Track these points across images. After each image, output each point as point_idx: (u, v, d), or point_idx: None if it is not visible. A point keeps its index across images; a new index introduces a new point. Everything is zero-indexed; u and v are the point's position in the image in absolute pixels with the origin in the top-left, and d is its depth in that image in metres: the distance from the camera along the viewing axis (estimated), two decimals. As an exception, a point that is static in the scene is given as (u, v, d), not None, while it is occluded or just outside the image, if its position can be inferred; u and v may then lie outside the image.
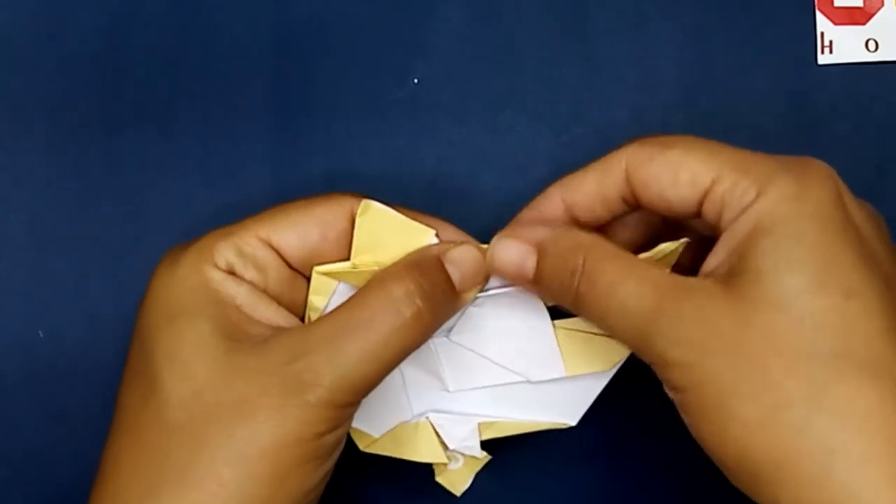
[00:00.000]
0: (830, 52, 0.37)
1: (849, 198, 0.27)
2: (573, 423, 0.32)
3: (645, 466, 0.36)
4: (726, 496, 0.35)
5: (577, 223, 0.30)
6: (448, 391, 0.32)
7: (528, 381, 0.32)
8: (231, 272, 0.28)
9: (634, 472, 0.36)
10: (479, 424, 0.33)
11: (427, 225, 0.30)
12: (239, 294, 0.28)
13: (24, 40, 0.37)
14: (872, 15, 0.37)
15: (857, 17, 0.37)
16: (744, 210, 0.26)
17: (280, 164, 0.36)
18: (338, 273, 0.30)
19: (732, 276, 0.26)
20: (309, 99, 0.37)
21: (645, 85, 0.37)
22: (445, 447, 0.33)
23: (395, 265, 0.29)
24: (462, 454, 0.33)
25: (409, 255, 0.29)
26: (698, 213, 0.28)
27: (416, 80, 0.37)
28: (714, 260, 0.27)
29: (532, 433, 0.33)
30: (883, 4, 0.37)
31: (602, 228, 0.31)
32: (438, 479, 0.34)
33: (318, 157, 0.36)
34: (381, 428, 0.32)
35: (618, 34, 0.37)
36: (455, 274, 0.29)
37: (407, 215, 0.30)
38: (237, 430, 0.26)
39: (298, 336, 0.27)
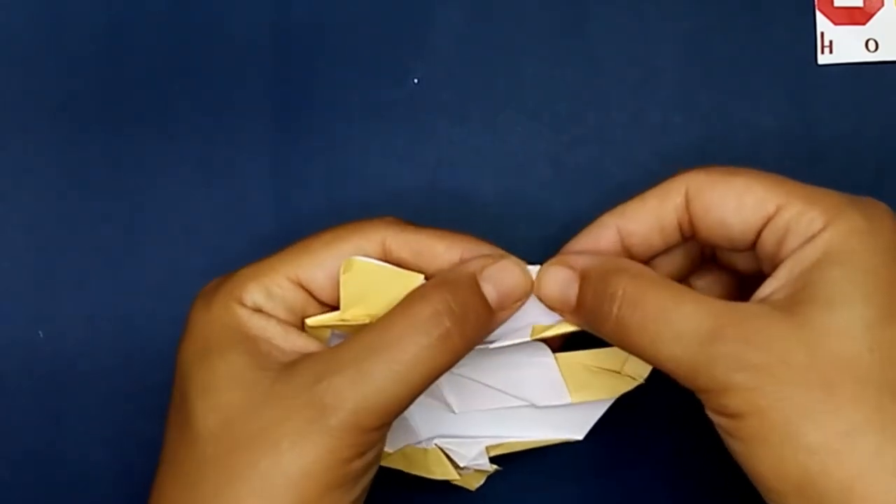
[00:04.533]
0: (830, 52, 0.37)
1: None
2: (580, 437, 0.32)
3: (651, 474, 0.36)
4: None
5: (629, 255, 0.30)
6: (454, 413, 0.32)
7: (534, 406, 0.32)
8: (259, 311, 0.28)
9: (639, 479, 0.36)
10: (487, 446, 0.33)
11: (467, 243, 0.29)
12: (269, 327, 0.28)
13: (24, 40, 0.37)
14: (872, 15, 0.37)
15: (857, 17, 0.37)
16: (810, 239, 0.26)
17: (280, 164, 0.36)
18: (329, 325, 0.29)
19: (797, 304, 0.25)
20: (309, 99, 0.37)
21: (645, 85, 0.37)
22: (456, 465, 0.33)
23: (426, 284, 0.28)
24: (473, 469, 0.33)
25: (445, 272, 0.29)
26: (753, 243, 0.28)
27: (416, 80, 0.37)
28: (773, 285, 0.27)
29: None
30: (883, 4, 0.37)
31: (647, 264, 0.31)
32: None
33: (318, 157, 0.36)
34: (391, 444, 0.32)
35: (618, 34, 0.37)
36: (491, 293, 0.28)
37: (438, 230, 0.30)
38: (261, 460, 0.25)
39: (324, 358, 0.27)
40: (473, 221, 0.34)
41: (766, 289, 0.27)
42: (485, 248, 0.30)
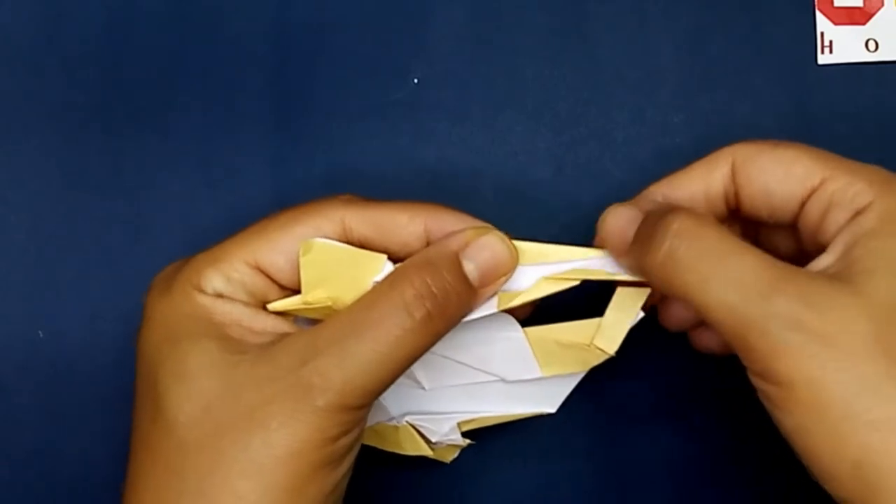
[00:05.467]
0: (830, 52, 0.37)
1: None
2: (552, 410, 0.32)
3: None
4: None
5: None
6: (424, 389, 0.32)
7: (504, 381, 0.32)
8: (220, 296, 0.28)
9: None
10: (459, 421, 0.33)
11: (430, 211, 0.29)
12: (235, 310, 0.28)
13: (24, 40, 0.37)
14: (872, 15, 0.37)
15: (857, 17, 0.37)
16: (860, 212, 0.26)
17: (280, 164, 0.36)
18: (291, 310, 0.29)
19: (856, 274, 0.25)
20: (309, 99, 0.37)
21: (645, 85, 0.37)
22: (428, 441, 0.33)
23: (407, 262, 0.28)
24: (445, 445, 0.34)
25: (425, 250, 0.28)
26: (795, 215, 0.28)
27: (416, 80, 0.37)
28: (828, 259, 0.26)
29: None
30: (883, 4, 0.37)
31: None
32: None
33: (318, 157, 0.36)
34: None
35: (618, 34, 0.37)
36: (473, 271, 0.28)
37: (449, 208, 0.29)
38: (251, 440, 0.25)
39: (306, 339, 0.27)
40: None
41: (822, 262, 0.26)
42: (448, 215, 0.29)
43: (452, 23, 0.37)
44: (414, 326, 0.27)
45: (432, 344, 0.28)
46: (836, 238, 0.26)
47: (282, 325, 0.28)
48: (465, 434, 0.33)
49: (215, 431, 0.26)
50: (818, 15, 0.37)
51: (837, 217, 0.26)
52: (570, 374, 0.32)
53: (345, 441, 0.27)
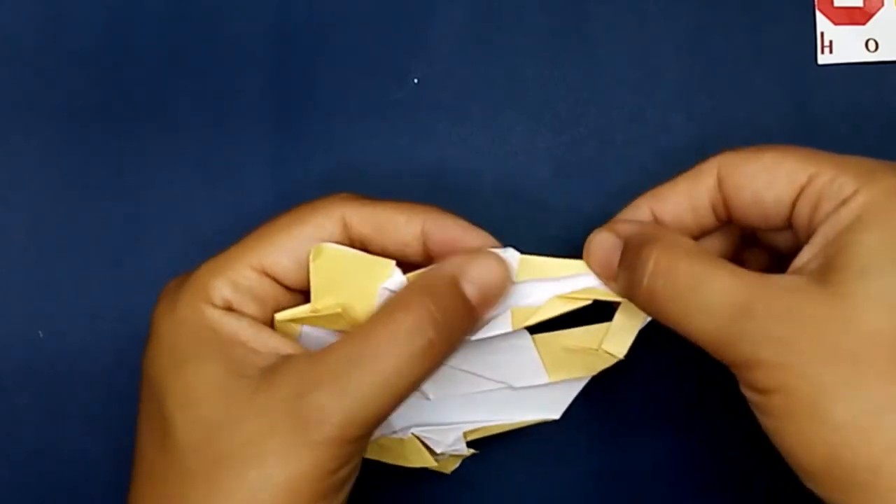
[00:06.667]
0: (830, 52, 0.37)
1: None
2: (556, 416, 0.32)
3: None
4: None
5: None
6: (429, 399, 0.32)
7: (511, 387, 0.32)
8: (229, 308, 0.28)
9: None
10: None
11: (427, 213, 0.29)
12: (241, 329, 0.27)
13: (24, 40, 0.37)
14: (872, 15, 0.37)
15: (857, 17, 0.37)
16: (843, 203, 0.26)
17: (280, 164, 0.36)
18: (299, 319, 0.29)
19: (830, 272, 0.25)
20: (309, 99, 0.37)
21: (645, 85, 0.37)
22: (433, 452, 0.33)
23: (406, 289, 0.28)
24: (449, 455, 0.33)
25: (424, 275, 0.28)
26: (788, 218, 0.28)
27: (416, 80, 0.37)
28: (808, 253, 0.26)
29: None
30: (883, 4, 0.37)
31: None
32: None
33: (318, 157, 0.36)
34: None
35: (618, 34, 0.37)
36: (473, 293, 0.28)
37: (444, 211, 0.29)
38: (248, 472, 0.25)
39: (305, 367, 0.26)
40: (473, 221, 0.34)
41: (803, 257, 0.26)
42: (445, 217, 0.29)
43: (452, 23, 0.37)
44: (414, 353, 0.26)
45: (434, 371, 0.27)
46: (818, 230, 0.26)
47: (284, 346, 0.28)
48: (469, 443, 0.33)
49: (215, 461, 0.26)
50: (818, 15, 0.37)
51: (827, 209, 0.26)
52: (575, 380, 0.32)
53: (343, 472, 0.26)
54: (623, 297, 0.29)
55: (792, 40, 0.37)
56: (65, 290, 0.36)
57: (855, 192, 0.25)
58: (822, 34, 0.37)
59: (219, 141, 0.36)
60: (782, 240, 0.30)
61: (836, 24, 0.37)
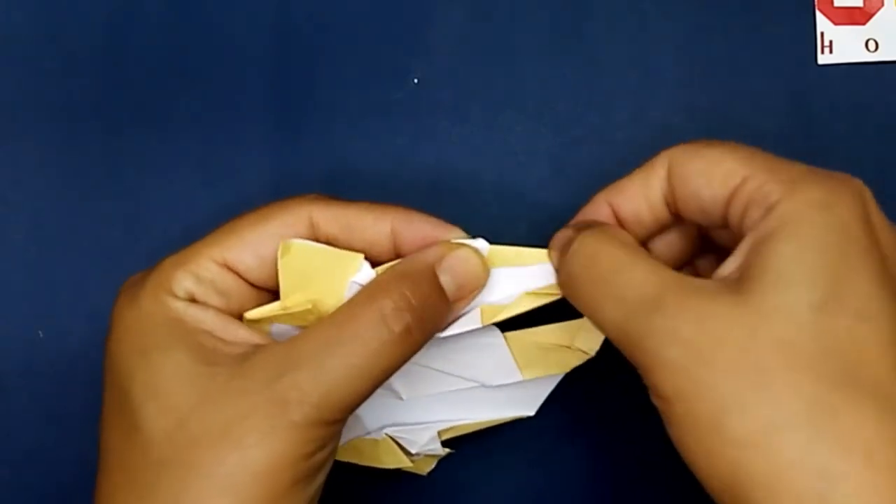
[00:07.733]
0: (830, 52, 0.37)
1: (878, 218, 0.25)
2: (532, 413, 0.32)
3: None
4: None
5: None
6: (402, 400, 0.32)
7: (484, 386, 0.32)
8: (192, 300, 0.28)
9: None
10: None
11: (395, 213, 0.29)
12: (207, 319, 0.27)
13: (24, 40, 0.37)
14: (872, 15, 0.37)
15: (857, 17, 0.37)
16: (768, 210, 0.25)
17: (280, 164, 0.36)
18: (269, 317, 0.29)
19: (745, 280, 0.24)
20: (309, 99, 0.37)
21: (645, 85, 0.37)
22: (408, 453, 0.33)
23: (385, 275, 0.28)
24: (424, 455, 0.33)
25: (402, 262, 0.28)
26: (724, 217, 0.27)
27: (416, 80, 0.37)
28: (733, 262, 0.25)
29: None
30: (883, 4, 0.37)
31: (643, 245, 0.30)
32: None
33: (318, 157, 0.36)
34: (341, 437, 0.32)
35: (618, 34, 0.37)
36: (450, 284, 0.28)
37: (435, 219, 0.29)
38: (226, 456, 0.25)
39: (282, 352, 0.26)
40: (473, 221, 0.34)
41: (727, 267, 0.25)
42: (415, 216, 0.29)
43: (452, 23, 0.37)
44: (393, 339, 0.26)
45: (410, 356, 0.27)
46: (745, 236, 0.25)
47: (255, 337, 0.28)
48: (444, 442, 0.33)
49: (189, 446, 0.25)
50: (818, 15, 0.37)
51: (753, 216, 0.25)
52: (550, 377, 0.32)
53: (320, 456, 0.26)
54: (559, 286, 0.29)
55: (792, 40, 0.37)
56: (65, 290, 0.36)
57: (778, 201, 0.25)
58: (822, 34, 0.37)
59: (219, 141, 0.36)
60: (733, 240, 0.30)
61: (836, 24, 0.37)
